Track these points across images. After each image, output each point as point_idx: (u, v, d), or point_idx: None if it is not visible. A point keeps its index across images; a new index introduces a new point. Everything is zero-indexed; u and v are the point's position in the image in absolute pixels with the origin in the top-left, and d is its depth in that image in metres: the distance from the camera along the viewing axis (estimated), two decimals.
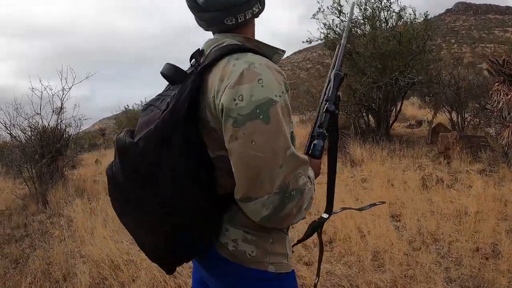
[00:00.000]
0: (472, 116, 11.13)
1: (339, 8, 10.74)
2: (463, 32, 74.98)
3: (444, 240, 4.17)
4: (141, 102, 17.79)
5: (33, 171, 7.71)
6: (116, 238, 4.76)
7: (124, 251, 4.30)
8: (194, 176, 1.13)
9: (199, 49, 1.32)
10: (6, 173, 10.61)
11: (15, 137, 7.99)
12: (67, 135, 8.60)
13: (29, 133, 8.07)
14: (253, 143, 1.04)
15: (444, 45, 58.06)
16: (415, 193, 5.82)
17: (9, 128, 7.80)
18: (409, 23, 10.30)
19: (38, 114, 7.92)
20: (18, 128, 7.89)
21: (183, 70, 1.24)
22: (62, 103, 8.13)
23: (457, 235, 4.26)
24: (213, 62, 1.17)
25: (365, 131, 11.14)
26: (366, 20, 10.71)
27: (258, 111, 1.05)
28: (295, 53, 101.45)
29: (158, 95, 1.31)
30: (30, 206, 7.22)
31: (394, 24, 10.67)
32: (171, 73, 1.25)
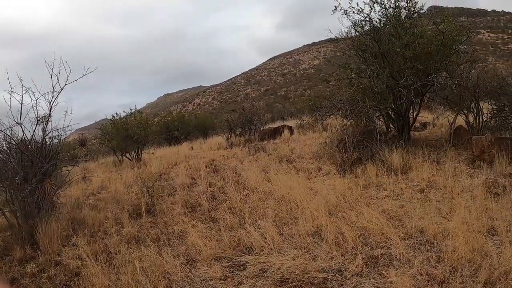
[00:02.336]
0: (489, 117, 10.63)
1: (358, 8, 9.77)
2: None
3: None
4: (131, 109, 16.21)
5: (12, 199, 5.92)
6: None
7: None
8: None
9: None
10: None
11: None
12: (55, 151, 6.79)
13: (5, 148, 6.27)
14: None
15: None
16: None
17: None
18: (445, 22, 9.34)
19: (18, 124, 6.14)
20: None
21: None
22: (50, 108, 6.39)
23: None
24: None
25: (388, 136, 10.17)
26: (389, 19, 9.68)
27: None
28: (271, 59, 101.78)
29: None
30: (14, 249, 5.33)
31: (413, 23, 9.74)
32: None
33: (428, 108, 17.22)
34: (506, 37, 76.35)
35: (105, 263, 4.38)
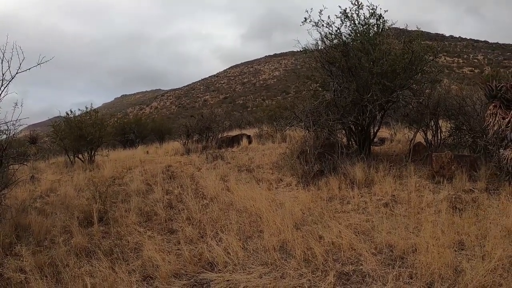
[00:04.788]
0: (447, 135, 10.85)
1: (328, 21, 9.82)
2: None
3: None
4: (86, 108, 15.43)
5: None
6: None
7: None
8: None
9: None
10: None
11: None
12: (1, 147, 6.13)
13: None
14: None
15: None
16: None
17: None
18: (415, 42, 9.50)
19: None
20: None
21: None
22: None
23: None
24: None
25: (350, 149, 10.25)
26: (358, 35, 9.76)
27: None
28: (232, 67, 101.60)
29: None
30: None
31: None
32: None
33: (386, 124, 17.58)
34: (461, 61, 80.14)
35: (51, 278, 3.93)
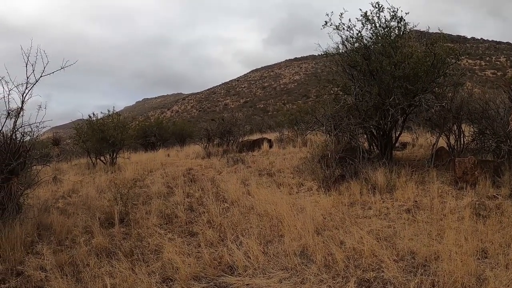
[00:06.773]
0: (470, 140, 10.58)
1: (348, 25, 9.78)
2: None
3: None
4: (109, 111, 15.71)
5: None
6: None
7: None
8: None
9: None
10: None
11: None
12: (25, 148, 6.28)
13: None
14: None
15: None
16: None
17: None
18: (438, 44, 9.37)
19: None
20: None
21: None
22: (23, 102, 5.92)
23: None
24: None
25: (372, 154, 10.14)
26: (379, 38, 9.67)
27: None
28: (252, 71, 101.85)
29: None
30: None
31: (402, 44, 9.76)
32: None
33: (408, 128, 17.37)
34: (483, 63, 78.61)
35: (71, 277, 3.98)
